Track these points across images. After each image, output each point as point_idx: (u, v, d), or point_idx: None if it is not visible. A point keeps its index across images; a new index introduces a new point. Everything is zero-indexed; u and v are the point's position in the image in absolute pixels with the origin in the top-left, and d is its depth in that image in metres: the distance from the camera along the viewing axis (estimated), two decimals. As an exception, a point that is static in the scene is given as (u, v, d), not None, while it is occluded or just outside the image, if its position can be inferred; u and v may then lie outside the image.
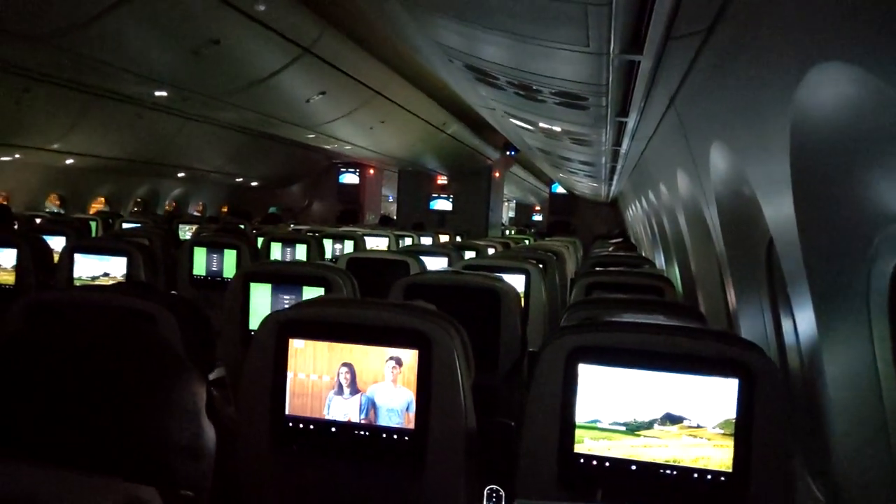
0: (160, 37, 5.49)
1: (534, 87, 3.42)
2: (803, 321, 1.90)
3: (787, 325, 2.79)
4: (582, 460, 1.61)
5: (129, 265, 4.11)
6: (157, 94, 7.95)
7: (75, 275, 4.14)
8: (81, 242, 4.50)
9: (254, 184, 17.66)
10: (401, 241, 8.42)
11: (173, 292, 4.81)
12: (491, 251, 6.34)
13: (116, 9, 4.54)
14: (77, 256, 4.16)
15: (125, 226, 8.86)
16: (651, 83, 2.48)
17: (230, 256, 4.86)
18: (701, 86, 2.32)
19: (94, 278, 4.11)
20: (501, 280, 2.88)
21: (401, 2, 2.76)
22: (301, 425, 1.78)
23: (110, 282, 4.03)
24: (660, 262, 7.70)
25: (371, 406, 1.74)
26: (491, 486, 1.84)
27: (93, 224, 8.91)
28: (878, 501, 1.73)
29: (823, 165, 1.56)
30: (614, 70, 2.36)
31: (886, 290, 1.62)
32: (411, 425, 1.72)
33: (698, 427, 1.56)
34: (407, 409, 1.72)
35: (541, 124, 5.19)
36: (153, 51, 5.85)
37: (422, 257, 4.21)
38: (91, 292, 2.12)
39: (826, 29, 1.22)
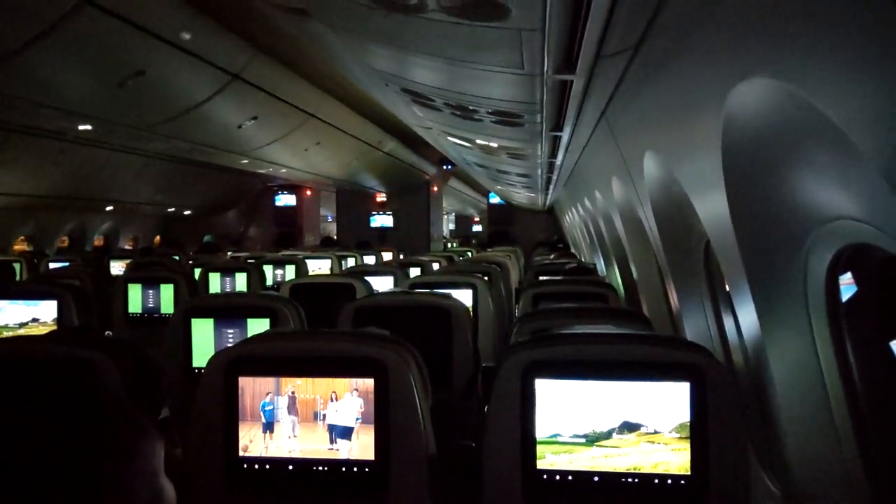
0: (82, 70, 5.27)
1: (470, 108, 3.47)
2: (745, 318, 1.97)
3: (728, 323, 2.89)
4: (545, 476, 1.61)
5: (60, 309, 3.88)
6: (81, 127, 7.62)
7: (1, 323, 3.89)
8: (6, 287, 4.24)
9: (187, 212, 17.14)
10: (343, 262, 8.31)
11: (108, 333, 4.59)
12: (435, 266, 6.35)
13: (34, 44, 4.33)
14: (2, 303, 3.91)
15: (52, 265, 8.42)
16: (583, 99, 2.55)
17: (167, 291, 4.68)
18: (631, 99, 2.40)
19: (22, 325, 3.88)
20: (450, 297, 2.88)
21: (333, 30, 2.74)
22: (256, 465, 1.72)
23: (41, 328, 3.81)
24: (599, 266, 7.88)
25: (329, 437, 1.70)
26: (456, 510, 1.82)
27: (16, 266, 8.43)
28: (830, 488, 1.80)
29: (755, 170, 1.62)
30: (548, 90, 2.42)
31: (822, 285, 1.69)
32: (371, 456, 1.68)
33: (655, 433, 1.58)
34: (360, 432, 1.69)
35: (478, 141, 5.25)
36: (75, 84, 5.61)
37: (367, 278, 4.16)
38: (20, 343, 1.98)
39: (748, 47, 1.28)
